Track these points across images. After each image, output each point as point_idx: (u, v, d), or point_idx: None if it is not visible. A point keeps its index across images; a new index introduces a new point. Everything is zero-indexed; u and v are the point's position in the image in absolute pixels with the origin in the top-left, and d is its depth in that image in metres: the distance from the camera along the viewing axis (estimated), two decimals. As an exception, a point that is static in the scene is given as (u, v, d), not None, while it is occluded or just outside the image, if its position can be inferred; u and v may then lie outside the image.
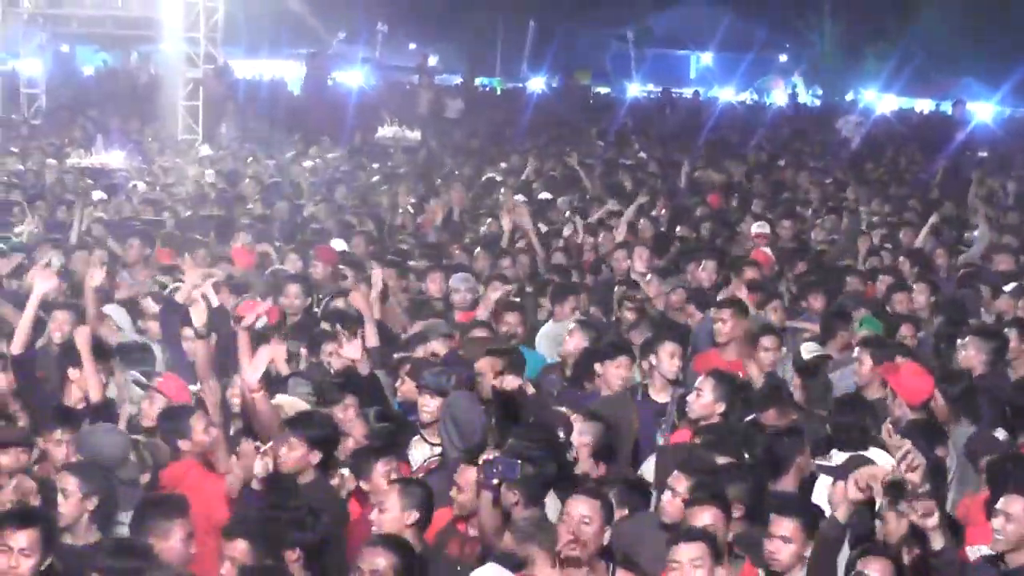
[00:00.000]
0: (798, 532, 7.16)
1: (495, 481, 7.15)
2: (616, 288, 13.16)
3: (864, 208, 19.58)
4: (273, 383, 9.43)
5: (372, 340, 10.08)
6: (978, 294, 13.69)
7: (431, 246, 15.84)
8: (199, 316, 9.43)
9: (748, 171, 25.04)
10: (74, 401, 9.44)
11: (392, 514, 7.32)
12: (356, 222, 17.16)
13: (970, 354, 10.59)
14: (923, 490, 6.80)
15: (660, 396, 10.04)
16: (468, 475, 7.71)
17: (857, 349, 10.45)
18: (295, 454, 8.01)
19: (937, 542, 6.75)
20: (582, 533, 6.94)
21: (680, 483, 7.62)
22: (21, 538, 6.61)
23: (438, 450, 8.84)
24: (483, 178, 22.43)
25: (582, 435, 8.69)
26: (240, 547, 6.86)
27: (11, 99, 31.54)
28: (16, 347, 9.41)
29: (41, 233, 15.53)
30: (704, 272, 13.74)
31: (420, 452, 8.98)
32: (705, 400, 9.18)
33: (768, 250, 15.62)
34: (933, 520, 6.73)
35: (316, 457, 8.07)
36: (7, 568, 6.58)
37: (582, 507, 7.03)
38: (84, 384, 9.41)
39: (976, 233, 17.08)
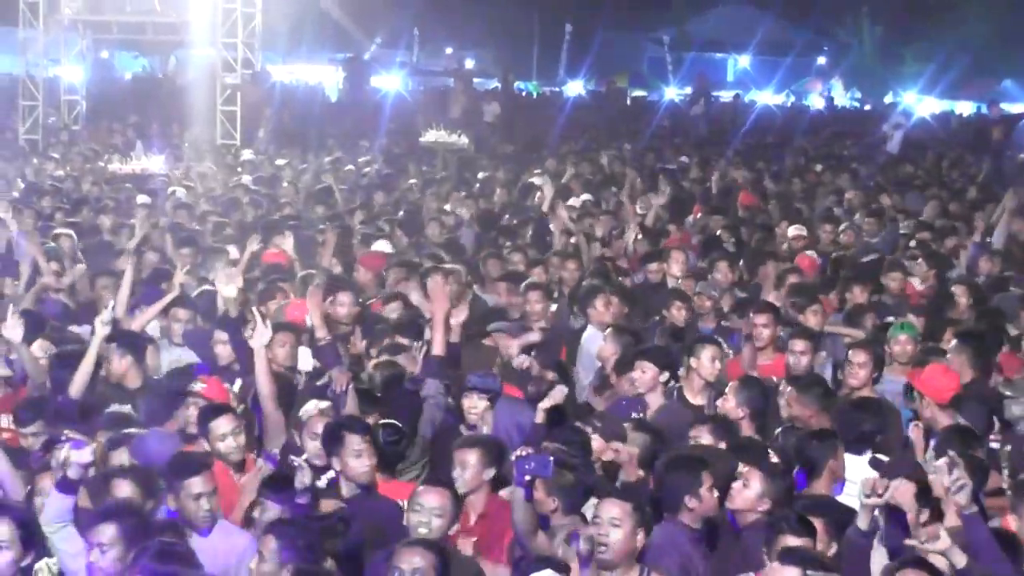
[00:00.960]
0: (824, 531, 7.19)
1: (527, 478, 7.12)
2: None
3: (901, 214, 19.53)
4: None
5: (439, 349, 9.91)
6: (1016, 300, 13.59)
7: (460, 248, 15.79)
8: (261, 337, 9.30)
9: (784, 173, 25.04)
10: None
11: (444, 521, 7.28)
12: (387, 227, 17.17)
13: (958, 359, 10.50)
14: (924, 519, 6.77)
15: (697, 399, 10.04)
16: (467, 456, 7.81)
17: (850, 351, 10.40)
18: (367, 462, 8.05)
19: (958, 560, 6.61)
20: (611, 536, 6.95)
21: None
22: None
23: None
24: (519, 182, 22.42)
25: (630, 444, 8.66)
26: (271, 545, 6.86)
27: (52, 105, 31.74)
28: (75, 390, 9.42)
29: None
30: (719, 273, 13.72)
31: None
32: (729, 404, 9.19)
33: (813, 254, 15.53)
34: (941, 543, 6.60)
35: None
36: None
37: (613, 509, 7.02)
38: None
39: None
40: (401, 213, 18.58)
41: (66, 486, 7.13)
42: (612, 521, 6.98)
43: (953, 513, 7.06)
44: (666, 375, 9.95)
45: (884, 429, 8.95)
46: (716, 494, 7.54)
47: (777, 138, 33.89)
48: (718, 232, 17.02)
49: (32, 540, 6.79)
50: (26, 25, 31.17)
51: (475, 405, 9.12)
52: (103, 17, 31.87)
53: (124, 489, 7.49)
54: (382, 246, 15.24)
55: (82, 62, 33.36)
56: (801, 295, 12.51)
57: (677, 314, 12.15)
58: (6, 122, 31.76)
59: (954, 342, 10.70)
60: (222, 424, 8.39)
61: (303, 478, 7.42)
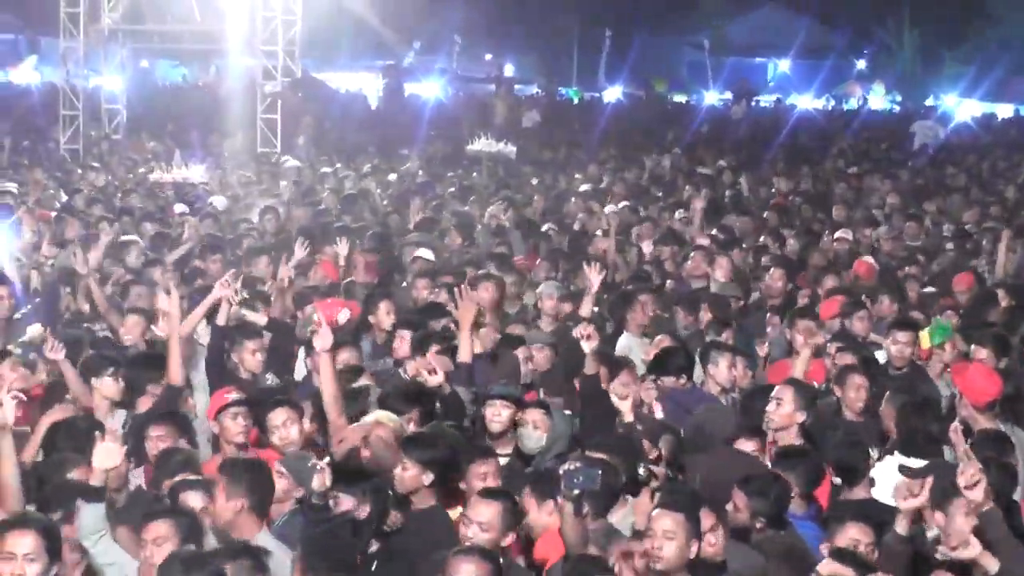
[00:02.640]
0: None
1: (576, 491, 7.06)
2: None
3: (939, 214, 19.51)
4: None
5: (465, 356, 9.99)
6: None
7: (499, 255, 15.73)
8: (324, 342, 9.19)
9: (824, 177, 25.01)
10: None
11: (493, 535, 7.20)
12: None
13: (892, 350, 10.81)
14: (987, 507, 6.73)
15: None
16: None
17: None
18: (408, 475, 7.95)
19: (991, 566, 6.57)
20: (666, 548, 6.89)
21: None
22: (24, 543, 6.61)
23: (504, 461, 8.77)
24: (555, 189, 22.40)
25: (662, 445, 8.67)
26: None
27: (93, 115, 31.89)
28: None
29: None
30: (772, 280, 13.66)
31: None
32: (786, 410, 9.09)
33: (870, 259, 15.44)
34: (972, 549, 6.58)
35: (428, 478, 7.95)
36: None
37: (666, 521, 6.93)
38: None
39: None
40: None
41: (91, 494, 7.21)
42: (666, 534, 6.90)
43: (962, 513, 7.00)
44: (683, 379, 10.17)
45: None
46: (721, 533, 7.37)
47: (816, 142, 33.79)
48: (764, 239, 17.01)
49: (57, 551, 6.78)
50: (66, 35, 31.34)
51: (498, 413, 9.06)
52: (143, 26, 32.04)
53: (194, 500, 7.58)
54: (424, 254, 15.23)
55: (122, 71, 33.53)
56: (849, 301, 12.47)
57: (683, 321, 12.25)
58: (48, 132, 31.93)
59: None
60: (278, 415, 8.67)
61: (324, 479, 7.38)
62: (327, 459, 7.78)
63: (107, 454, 7.34)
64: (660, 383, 10.13)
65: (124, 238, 15.59)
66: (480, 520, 7.22)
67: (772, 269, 13.90)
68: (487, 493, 7.53)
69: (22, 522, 6.79)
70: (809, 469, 8.18)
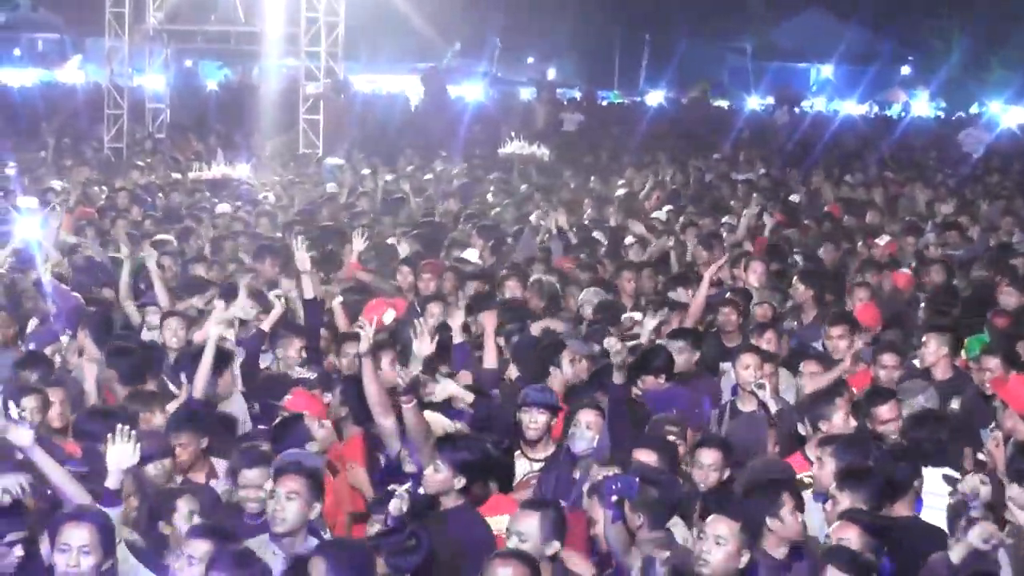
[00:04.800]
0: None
1: (614, 499, 7.06)
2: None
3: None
4: None
5: (491, 361, 9.98)
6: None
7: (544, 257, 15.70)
8: (364, 345, 8.96)
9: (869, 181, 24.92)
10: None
11: (531, 544, 7.11)
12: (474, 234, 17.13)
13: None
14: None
15: (747, 406, 10.05)
16: None
17: (982, 357, 10.42)
18: (439, 477, 7.92)
19: None
20: (714, 554, 6.86)
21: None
22: (79, 535, 6.67)
23: (538, 466, 8.80)
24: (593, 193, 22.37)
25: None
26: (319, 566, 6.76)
27: (137, 114, 32.07)
28: (197, 391, 9.40)
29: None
30: (798, 295, 13.55)
31: (520, 468, 8.93)
32: (840, 421, 8.99)
33: (907, 271, 15.32)
34: None
35: (460, 482, 7.94)
36: (67, 568, 6.64)
37: (720, 527, 6.91)
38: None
39: None
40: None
41: (109, 498, 7.21)
42: (717, 539, 6.88)
43: None
44: (663, 378, 10.23)
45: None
46: (800, 517, 7.37)
47: (859, 149, 33.65)
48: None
49: (112, 545, 6.86)
50: (111, 35, 31.55)
51: (535, 420, 9.02)
52: (187, 27, 32.23)
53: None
54: (470, 255, 15.23)
55: (166, 71, 33.72)
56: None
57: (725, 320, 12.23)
58: (92, 131, 32.12)
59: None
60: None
61: (400, 506, 7.34)
62: (407, 484, 7.75)
63: (122, 454, 7.31)
64: (641, 382, 10.12)
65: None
66: (519, 530, 7.15)
67: (799, 285, 13.73)
68: (529, 504, 7.46)
69: (78, 515, 6.86)
70: (876, 488, 7.82)
